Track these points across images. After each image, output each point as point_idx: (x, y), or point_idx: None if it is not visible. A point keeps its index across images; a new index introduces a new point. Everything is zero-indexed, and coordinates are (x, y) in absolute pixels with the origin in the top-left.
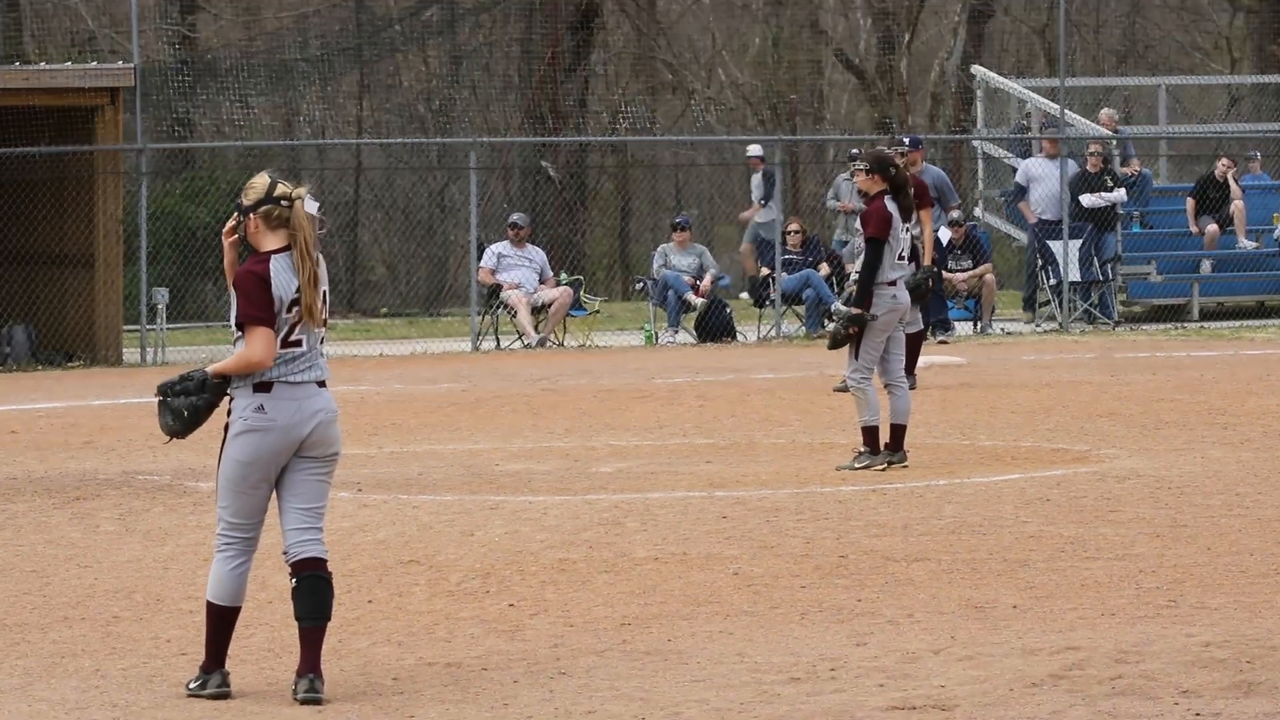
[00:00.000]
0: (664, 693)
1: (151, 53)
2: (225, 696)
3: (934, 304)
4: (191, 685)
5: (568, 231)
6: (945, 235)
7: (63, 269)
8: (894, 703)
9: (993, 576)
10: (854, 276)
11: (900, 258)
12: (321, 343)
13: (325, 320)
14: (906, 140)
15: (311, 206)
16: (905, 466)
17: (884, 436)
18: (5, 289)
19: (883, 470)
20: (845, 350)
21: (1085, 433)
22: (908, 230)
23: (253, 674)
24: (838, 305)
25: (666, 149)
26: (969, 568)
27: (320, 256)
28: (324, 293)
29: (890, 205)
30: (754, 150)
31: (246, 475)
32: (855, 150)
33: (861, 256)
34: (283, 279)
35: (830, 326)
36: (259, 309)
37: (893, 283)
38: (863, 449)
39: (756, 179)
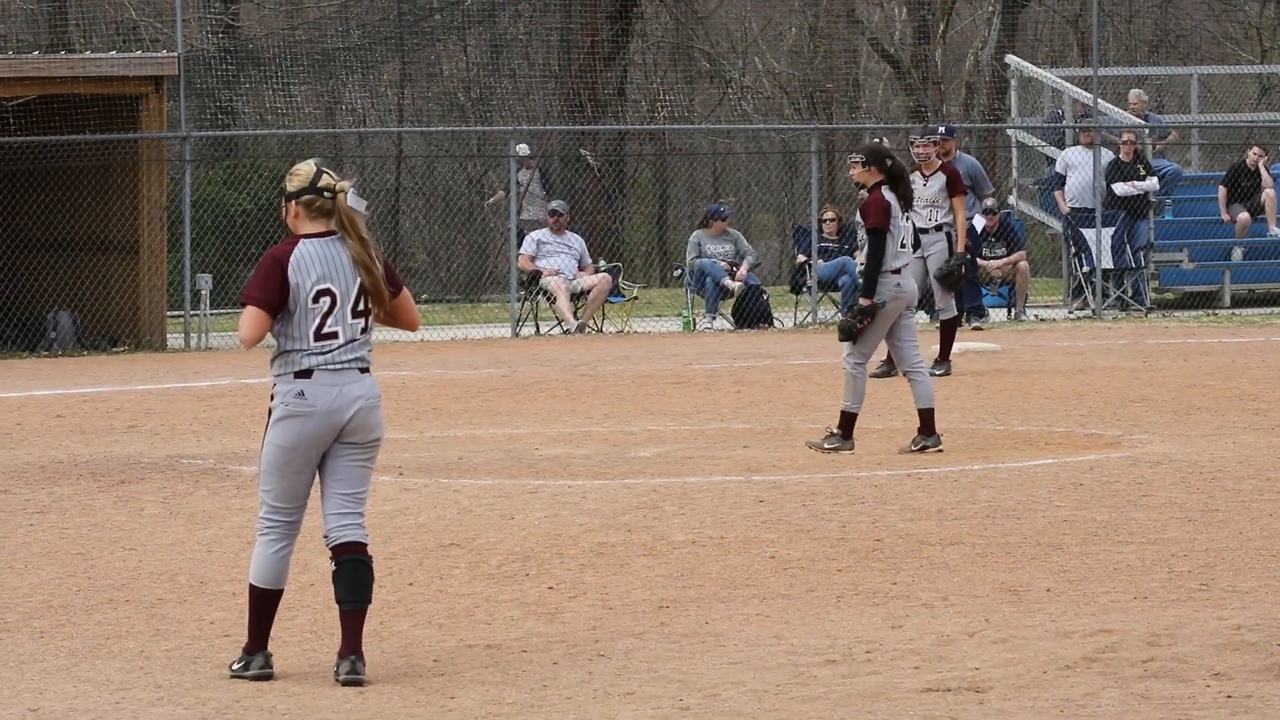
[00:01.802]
0: (702, 674)
1: (195, 41)
2: (268, 678)
3: (968, 291)
4: (234, 667)
5: (606, 219)
6: (980, 223)
7: (107, 255)
8: (929, 685)
9: (1026, 560)
10: (858, 267)
11: (902, 245)
12: (364, 331)
13: (369, 310)
14: (941, 129)
15: (357, 203)
16: (940, 450)
17: (911, 423)
18: (51, 275)
19: (919, 453)
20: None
21: (1118, 418)
22: (908, 218)
23: (295, 655)
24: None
25: (704, 137)
26: (1003, 551)
27: (372, 243)
28: (365, 283)
29: (889, 195)
30: (522, 150)
31: (287, 460)
32: (878, 140)
33: (865, 248)
34: (306, 266)
35: (841, 319)
36: (258, 290)
37: (896, 270)
38: (836, 430)
39: (523, 174)
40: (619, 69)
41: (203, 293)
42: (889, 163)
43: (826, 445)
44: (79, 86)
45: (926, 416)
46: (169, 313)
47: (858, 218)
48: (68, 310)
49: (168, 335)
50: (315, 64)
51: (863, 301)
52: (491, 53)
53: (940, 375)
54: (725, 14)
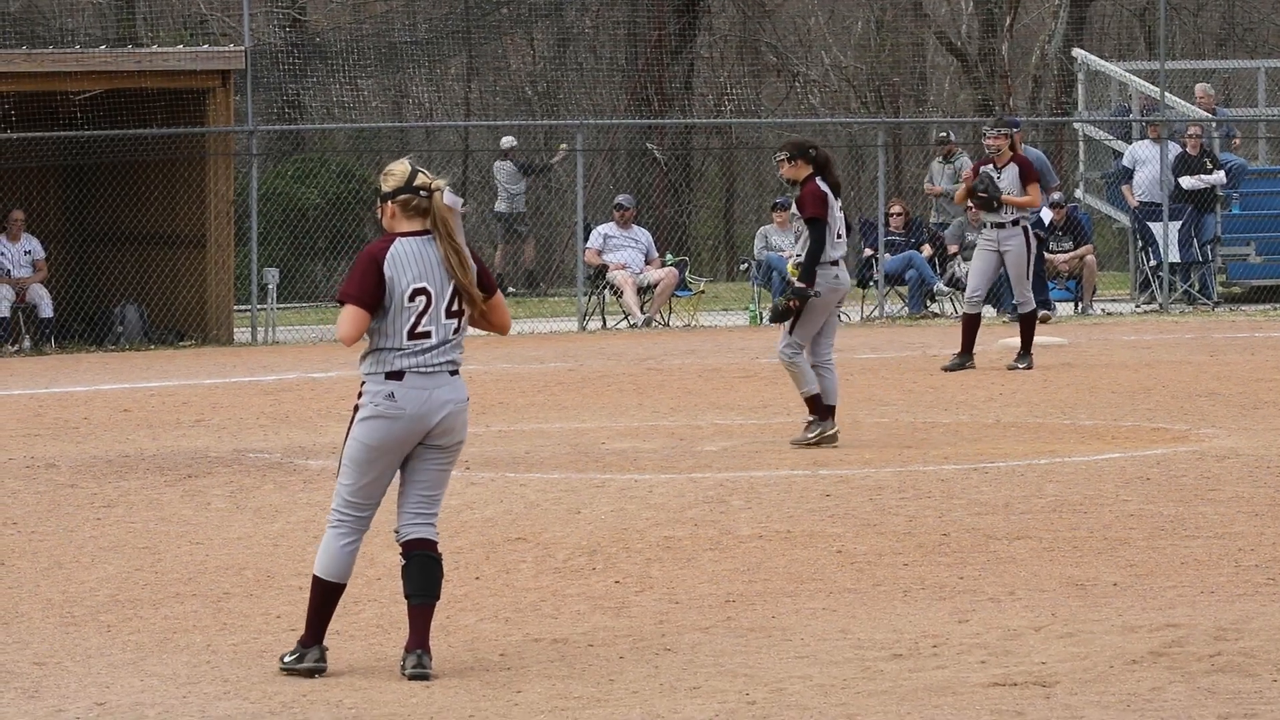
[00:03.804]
0: (768, 669)
1: (262, 35)
2: (321, 672)
3: (1034, 285)
4: (287, 659)
5: (673, 213)
6: (1047, 216)
7: (175, 249)
8: (995, 679)
9: (1093, 554)
10: (795, 259)
11: (839, 236)
12: (456, 332)
13: (463, 311)
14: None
15: (453, 200)
16: (835, 444)
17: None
18: (118, 269)
19: (814, 442)
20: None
21: (1185, 412)
22: (841, 208)
23: (362, 649)
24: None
25: (770, 131)
26: (1070, 546)
27: (464, 245)
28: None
29: (822, 185)
30: (507, 141)
31: (371, 459)
32: (944, 134)
33: (802, 238)
34: (402, 264)
35: (775, 300)
36: (356, 288)
37: (835, 262)
38: (811, 418)
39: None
40: (685, 63)
41: (270, 287)
42: (813, 153)
43: (810, 436)
44: (146, 80)
45: (829, 412)
46: (236, 307)
47: (793, 209)
48: (135, 304)
49: (235, 329)
50: (382, 58)
51: (797, 284)
52: (558, 46)
53: (1024, 369)
54: (792, 8)
